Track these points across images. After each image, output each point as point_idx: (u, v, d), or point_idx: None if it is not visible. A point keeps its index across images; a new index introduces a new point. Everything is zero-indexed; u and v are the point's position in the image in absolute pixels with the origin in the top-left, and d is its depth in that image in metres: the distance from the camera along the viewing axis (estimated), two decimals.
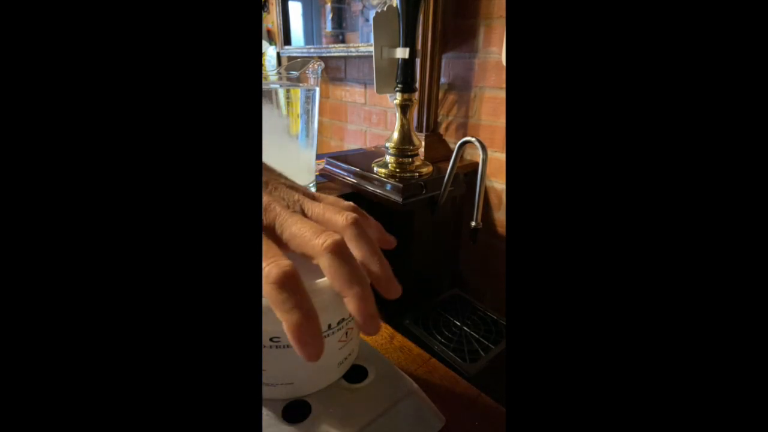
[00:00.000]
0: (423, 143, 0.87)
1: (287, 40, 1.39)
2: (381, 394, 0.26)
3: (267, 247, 0.19)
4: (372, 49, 0.77)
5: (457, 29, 0.86)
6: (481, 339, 0.72)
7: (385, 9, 0.74)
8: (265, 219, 0.21)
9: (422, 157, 0.85)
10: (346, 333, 0.24)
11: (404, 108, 0.75)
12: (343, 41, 1.19)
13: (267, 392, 0.24)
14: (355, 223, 0.21)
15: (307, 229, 0.20)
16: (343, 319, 0.23)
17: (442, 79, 0.90)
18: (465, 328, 0.76)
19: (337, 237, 0.20)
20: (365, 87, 1.16)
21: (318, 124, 0.60)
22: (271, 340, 0.22)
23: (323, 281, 0.21)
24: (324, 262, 0.19)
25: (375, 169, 0.77)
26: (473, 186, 0.68)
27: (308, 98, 0.59)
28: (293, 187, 0.24)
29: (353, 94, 1.21)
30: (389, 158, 0.77)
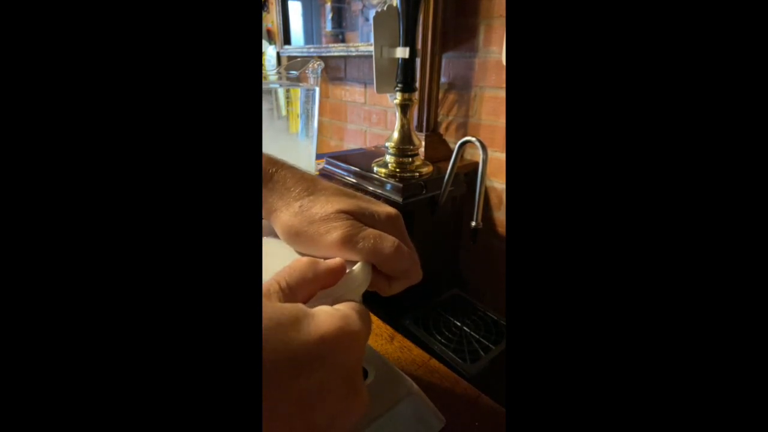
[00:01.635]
0: (423, 143, 0.87)
1: (287, 40, 1.39)
2: (381, 394, 0.26)
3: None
4: (372, 48, 0.77)
5: (457, 29, 0.86)
6: (481, 339, 0.72)
7: (385, 8, 0.74)
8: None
9: (422, 157, 0.85)
10: None
11: (404, 108, 0.75)
12: (343, 41, 1.19)
13: None
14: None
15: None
16: None
17: (442, 79, 0.90)
18: (465, 328, 0.75)
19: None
20: (365, 87, 1.16)
21: (318, 123, 0.60)
22: None
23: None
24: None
25: (375, 168, 0.77)
26: (473, 186, 0.68)
27: (308, 98, 0.59)
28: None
29: (353, 93, 1.21)
30: (389, 158, 0.77)
